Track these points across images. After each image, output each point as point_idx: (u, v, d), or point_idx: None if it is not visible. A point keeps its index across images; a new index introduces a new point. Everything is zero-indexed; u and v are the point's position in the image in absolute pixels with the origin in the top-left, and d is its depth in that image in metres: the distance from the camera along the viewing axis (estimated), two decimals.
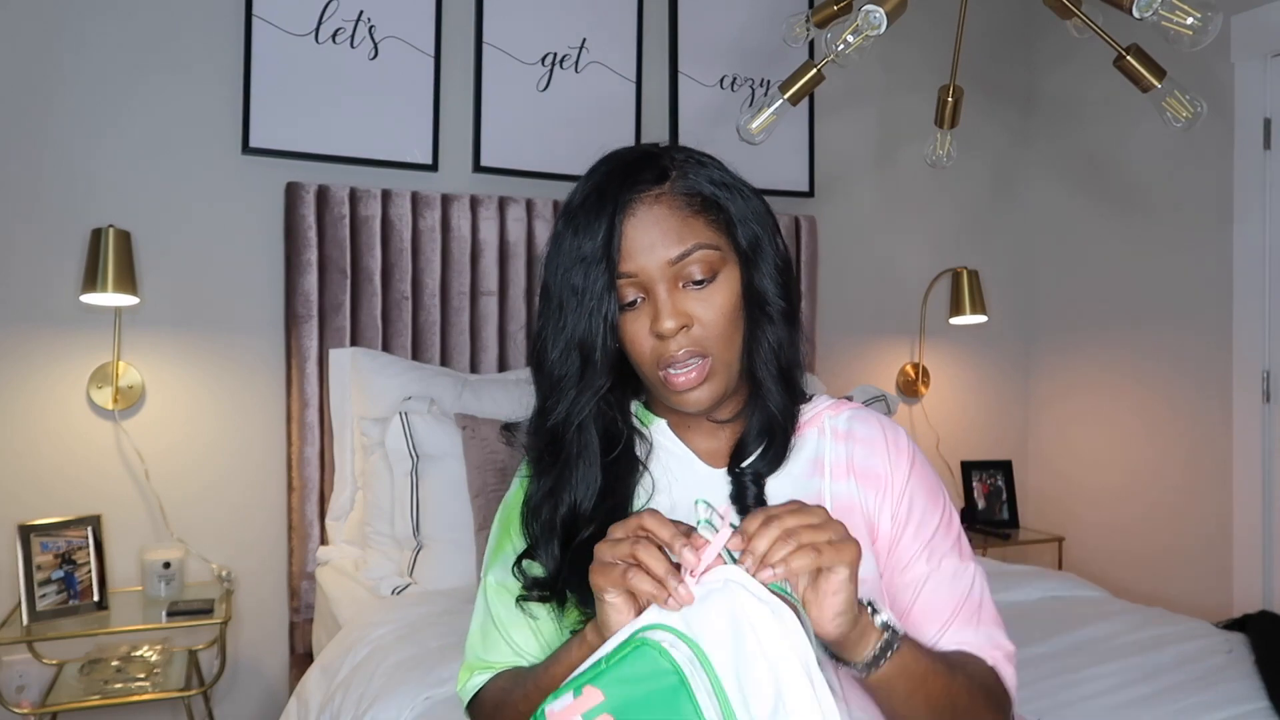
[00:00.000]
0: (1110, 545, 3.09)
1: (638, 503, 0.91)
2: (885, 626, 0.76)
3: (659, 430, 0.95)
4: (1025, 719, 1.41)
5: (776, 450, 0.91)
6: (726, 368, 0.87)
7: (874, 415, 0.97)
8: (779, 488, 0.91)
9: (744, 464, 0.91)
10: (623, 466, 0.91)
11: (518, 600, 0.92)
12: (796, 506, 0.72)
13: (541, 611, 0.91)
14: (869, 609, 0.76)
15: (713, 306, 0.84)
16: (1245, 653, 1.68)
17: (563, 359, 0.86)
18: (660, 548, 0.70)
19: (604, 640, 0.73)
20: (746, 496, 0.90)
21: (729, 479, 0.91)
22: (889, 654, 0.75)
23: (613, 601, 0.72)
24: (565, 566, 0.87)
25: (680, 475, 0.93)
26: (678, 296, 0.84)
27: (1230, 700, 1.46)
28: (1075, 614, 1.93)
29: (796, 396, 0.93)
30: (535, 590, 0.90)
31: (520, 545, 0.94)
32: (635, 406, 0.97)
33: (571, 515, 0.88)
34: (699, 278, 0.84)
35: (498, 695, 0.93)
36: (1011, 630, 1.86)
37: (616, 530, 0.74)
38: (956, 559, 0.92)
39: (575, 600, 0.87)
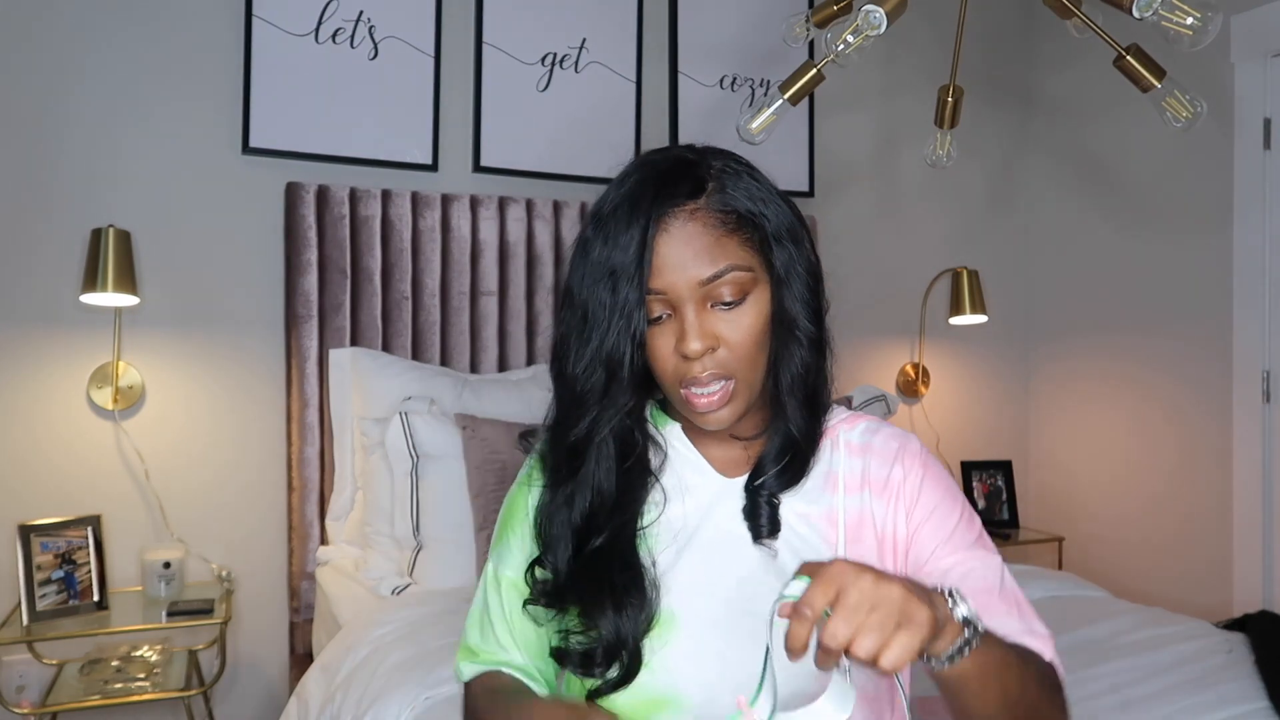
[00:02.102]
0: (1110, 545, 3.09)
1: (649, 514, 0.91)
2: (966, 622, 0.70)
3: (674, 435, 0.95)
4: None
5: (794, 471, 0.90)
6: (749, 389, 0.86)
7: (887, 426, 0.97)
8: (792, 503, 0.91)
9: (759, 481, 0.90)
10: (635, 476, 0.91)
11: (525, 604, 0.93)
12: (862, 584, 0.64)
13: (545, 617, 0.92)
14: (949, 599, 0.71)
15: (740, 328, 0.83)
16: (1245, 653, 1.68)
17: (587, 373, 0.85)
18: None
19: None
20: (760, 514, 0.89)
21: (744, 494, 0.91)
22: (967, 651, 0.70)
23: None
24: (575, 574, 0.88)
25: (693, 484, 0.93)
26: (705, 317, 0.82)
27: (1230, 700, 1.46)
28: (1075, 614, 1.93)
29: (820, 420, 0.92)
30: (543, 597, 0.90)
31: (519, 543, 0.95)
32: (650, 408, 0.96)
33: (585, 524, 0.88)
34: (729, 299, 0.82)
35: (479, 713, 0.94)
36: None
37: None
38: (984, 551, 0.90)
39: (577, 612, 0.88)
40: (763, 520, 0.89)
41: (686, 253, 0.81)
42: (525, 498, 0.96)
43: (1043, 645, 0.86)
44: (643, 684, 0.86)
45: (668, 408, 0.96)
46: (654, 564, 0.89)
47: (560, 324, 0.88)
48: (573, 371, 0.85)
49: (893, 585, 0.65)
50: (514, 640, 0.95)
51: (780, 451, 0.90)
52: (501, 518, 1.00)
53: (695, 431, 0.94)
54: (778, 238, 0.85)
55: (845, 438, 0.94)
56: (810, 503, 0.91)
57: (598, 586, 0.86)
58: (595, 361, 0.84)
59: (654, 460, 0.93)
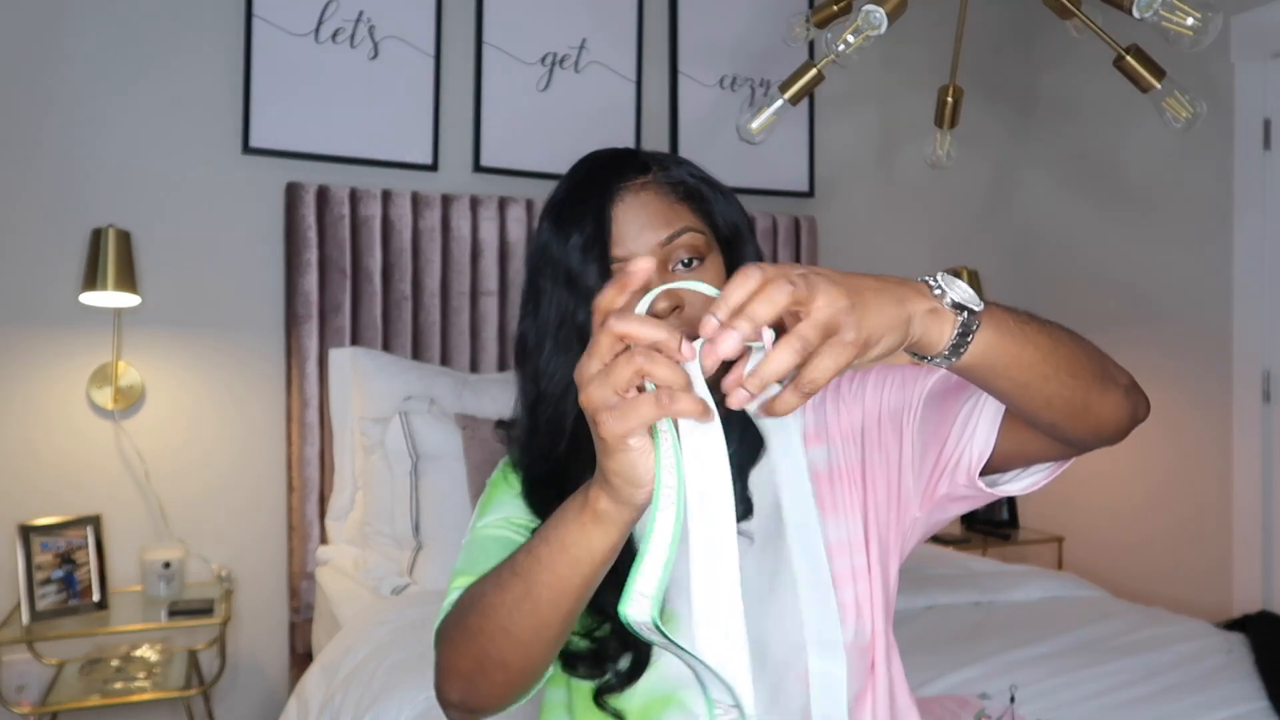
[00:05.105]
0: (1110, 545, 3.09)
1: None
2: (957, 307, 0.67)
3: None
4: (1024, 719, 1.41)
5: (751, 445, 0.89)
6: None
7: None
8: (760, 474, 0.90)
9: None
10: None
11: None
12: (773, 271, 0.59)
13: None
14: (934, 288, 0.68)
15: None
16: (1245, 653, 1.68)
17: (556, 348, 0.86)
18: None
19: (629, 499, 0.62)
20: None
21: None
22: (970, 338, 0.66)
23: (638, 445, 0.59)
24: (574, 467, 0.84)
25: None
26: (669, 279, 0.84)
27: (1230, 700, 1.47)
28: (1075, 614, 1.93)
29: None
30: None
31: (509, 500, 0.91)
32: None
33: (564, 469, 0.86)
34: (687, 259, 0.85)
35: (466, 599, 0.79)
36: (1011, 631, 1.85)
37: (593, 352, 0.59)
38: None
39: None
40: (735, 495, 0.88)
41: (643, 217, 0.85)
42: (506, 486, 0.93)
43: None
44: (649, 684, 0.86)
45: None
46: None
47: (523, 319, 0.89)
48: (542, 352, 0.86)
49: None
50: None
51: (738, 430, 0.86)
52: (485, 494, 0.96)
53: None
54: (724, 212, 0.89)
55: None
56: (777, 466, 0.87)
57: None
58: (566, 332, 0.85)
59: None
